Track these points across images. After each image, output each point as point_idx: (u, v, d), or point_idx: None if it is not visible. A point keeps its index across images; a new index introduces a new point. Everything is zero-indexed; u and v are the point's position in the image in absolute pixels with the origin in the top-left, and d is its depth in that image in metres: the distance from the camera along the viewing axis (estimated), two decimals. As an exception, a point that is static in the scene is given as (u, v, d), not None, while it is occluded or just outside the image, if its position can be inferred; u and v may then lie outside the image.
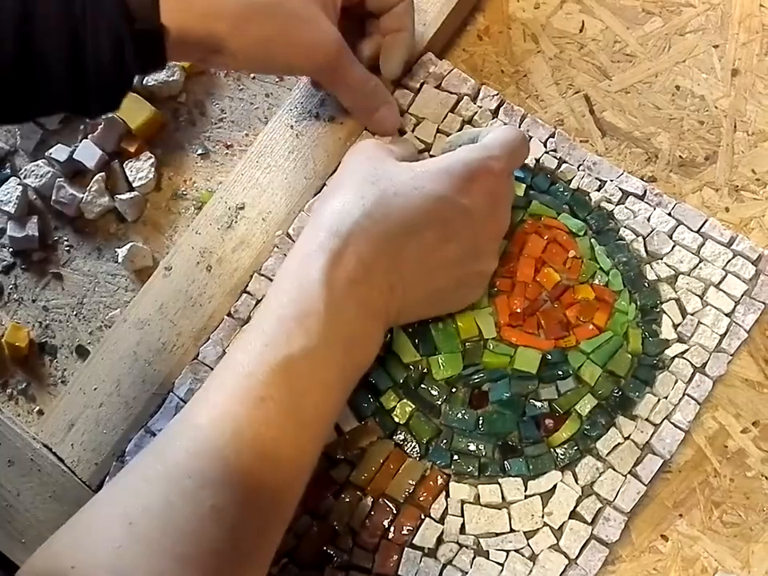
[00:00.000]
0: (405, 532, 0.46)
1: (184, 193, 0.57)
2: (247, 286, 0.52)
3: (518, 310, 0.49)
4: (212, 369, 0.50)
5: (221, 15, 0.45)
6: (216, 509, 0.36)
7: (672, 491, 0.48)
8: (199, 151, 0.58)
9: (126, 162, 0.57)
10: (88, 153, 0.57)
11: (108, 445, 0.50)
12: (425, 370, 0.49)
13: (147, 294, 0.52)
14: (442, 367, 0.48)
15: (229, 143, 0.58)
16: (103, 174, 0.57)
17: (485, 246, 0.47)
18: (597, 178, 0.53)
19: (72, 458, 0.50)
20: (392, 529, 0.46)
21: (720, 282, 0.50)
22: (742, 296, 0.50)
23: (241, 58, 0.48)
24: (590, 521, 0.46)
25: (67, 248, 0.57)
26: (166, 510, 0.35)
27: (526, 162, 0.53)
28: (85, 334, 0.55)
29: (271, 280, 0.51)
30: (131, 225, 0.57)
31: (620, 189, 0.52)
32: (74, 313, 0.55)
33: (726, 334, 0.49)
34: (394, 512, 0.47)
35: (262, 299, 0.51)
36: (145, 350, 0.51)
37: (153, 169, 0.57)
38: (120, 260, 0.55)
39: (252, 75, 0.59)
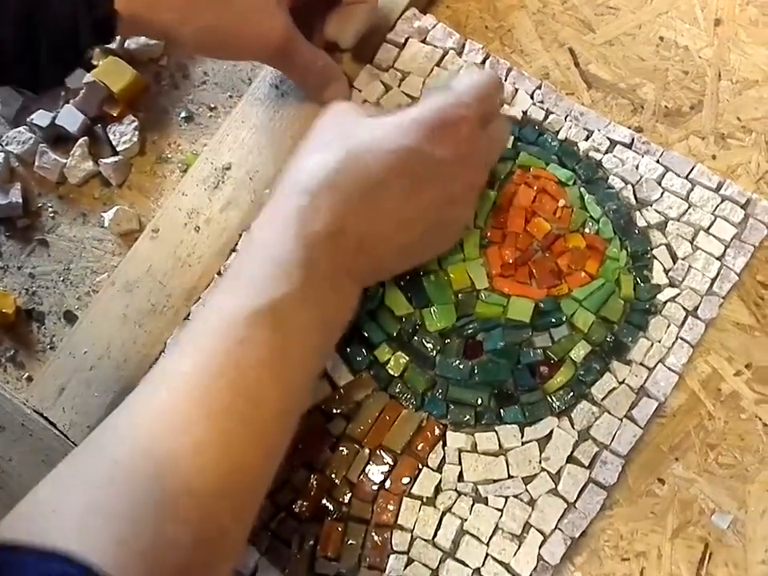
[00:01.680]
0: (403, 482, 0.46)
1: (169, 156, 0.57)
2: (236, 245, 0.52)
3: (510, 261, 0.49)
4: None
5: (169, 5, 0.46)
6: (198, 445, 0.35)
7: (667, 435, 0.48)
8: (183, 114, 0.57)
9: (109, 126, 0.56)
10: (70, 118, 0.56)
11: (100, 407, 0.49)
12: (418, 323, 0.49)
13: (135, 257, 0.52)
14: (435, 319, 0.48)
15: (212, 105, 0.58)
16: (86, 138, 0.56)
17: (460, 194, 0.46)
18: (584, 128, 0.53)
19: (64, 422, 0.49)
20: (390, 479, 0.46)
21: (709, 227, 0.50)
22: (732, 239, 0.50)
23: (191, 46, 0.49)
24: (587, 464, 0.46)
25: (52, 214, 0.56)
26: (150, 447, 0.35)
27: (513, 114, 0.53)
28: (72, 300, 0.54)
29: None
30: (116, 189, 0.56)
31: (608, 138, 0.52)
32: (61, 279, 0.55)
33: (716, 277, 0.49)
34: (392, 463, 0.46)
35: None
36: (134, 312, 0.51)
37: (136, 132, 0.56)
38: (106, 224, 0.54)
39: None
